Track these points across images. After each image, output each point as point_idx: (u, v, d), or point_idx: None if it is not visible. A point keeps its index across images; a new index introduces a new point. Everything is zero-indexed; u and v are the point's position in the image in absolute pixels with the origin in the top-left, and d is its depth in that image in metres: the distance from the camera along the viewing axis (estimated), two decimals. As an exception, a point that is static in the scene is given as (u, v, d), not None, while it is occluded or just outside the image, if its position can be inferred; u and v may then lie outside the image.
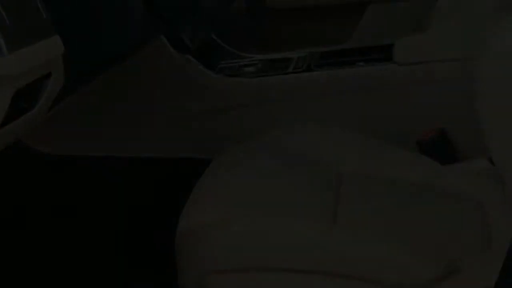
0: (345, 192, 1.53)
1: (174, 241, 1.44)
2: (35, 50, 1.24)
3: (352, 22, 2.39)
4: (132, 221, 1.92)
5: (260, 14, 1.67)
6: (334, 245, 1.33)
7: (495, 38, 1.41)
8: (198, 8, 1.46)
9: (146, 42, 1.64)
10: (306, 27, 2.38)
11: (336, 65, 1.98)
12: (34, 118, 1.37)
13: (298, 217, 1.42)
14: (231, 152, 1.70)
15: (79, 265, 1.82)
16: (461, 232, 1.47)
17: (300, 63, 2.02)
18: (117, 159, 2.01)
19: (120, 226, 1.91)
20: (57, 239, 1.88)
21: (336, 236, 1.35)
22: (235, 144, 1.75)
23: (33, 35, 1.26)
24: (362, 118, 1.91)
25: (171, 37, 1.96)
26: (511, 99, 1.34)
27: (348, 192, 1.54)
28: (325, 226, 1.39)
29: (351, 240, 1.34)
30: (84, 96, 1.67)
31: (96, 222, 1.92)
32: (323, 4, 2.38)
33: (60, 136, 2.03)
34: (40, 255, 1.85)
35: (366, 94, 1.92)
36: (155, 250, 1.59)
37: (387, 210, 1.50)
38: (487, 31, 1.49)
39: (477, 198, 1.58)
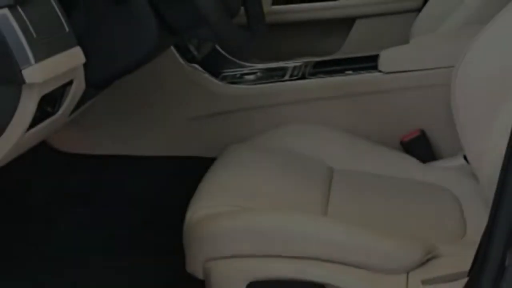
0: (335, 186, 1.54)
1: (182, 231, 1.45)
2: (58, 60, 1.25)
3: (342, 35, 2.40)
4: (143, 212, 1.92)
5: (259, 28, 1.67)
6: (325, 234, 1.33)
7: (467, 49, 1.42)
8: (203, 23, 1.46)
9: (158, 53, 1.64)
10: (300, 39, 2.39)
11: (327, 73, 1.99)
12: (58, 121, 1.37)
13: (294, 209, 1.43)
14: (234, 151, 1.71)
15: (95, 250, 1.82)
16: (440, 221, 1.48)
17: (296, 72, 2.03)
18: (131, 157, 2.02)
19: (133, 217, 1.91)
20: (75, 227, 1.89)
21: (327, 226, 1.36)
22: (237, 144, 1.76)
23: (57, 47, 1.26)
24: (351, 120, 1.91)
25: (180, 48, 1.97)
26: (482, 105, 1.35)
27: (338, 186, 1.54)
28: (318, 217, 1.40)
29: (340, 230, 1.34)
30: (101, 101, 1.67)
31: (110, 212, 1.92)
32: (316, 20, 2.39)
33: (80, 136, 2.04)
34: (61, 240, 1.85)
35: (354, 99, 1.92)
36: (165, 239, 1.59)
37: (373, 202, 1.50)
38: (460, 43, 1.50)
39: (453, 191, 1.59)
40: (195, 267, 1.42)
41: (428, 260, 1.33)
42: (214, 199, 1.47)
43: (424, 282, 1.30)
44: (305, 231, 1.34)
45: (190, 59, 1.99)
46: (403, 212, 1.48)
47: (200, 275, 1.42)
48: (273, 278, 1.34)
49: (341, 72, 1.97)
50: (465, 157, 1.59)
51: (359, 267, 1.32)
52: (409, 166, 1.69)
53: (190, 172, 1.61)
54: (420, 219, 1.47)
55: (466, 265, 1.25)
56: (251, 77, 2.07)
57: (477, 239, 1.25)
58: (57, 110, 1.34)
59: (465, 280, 1.24)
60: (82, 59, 1.32)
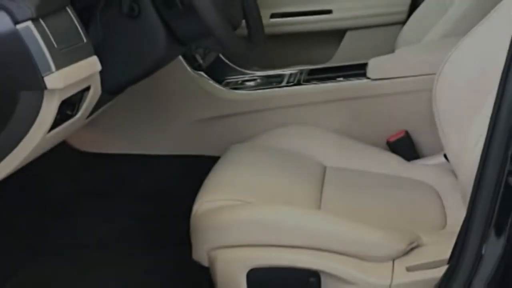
0: (328, 182, 1.54)
1: (189, 223, 1.45)
2: (77, 68, 1.25)
3: (334, 46, 2.41)
4: (153, 206, 1.92)
5: (259, 39, 1.68)
6: (318, 226, 1.34)
7: (447, 58, 1.42)
8: (208, 35, 1.47)
9: (167, 62, 1.65)
10: (296, 49, 2.39)
11: (321, 80, 1.99)
12: (76, 123, 1.38)
13: (290, 203, 1.43)
14: (235, 150, 1.71)
15: (110, 240, 1.82)
16: (422, 214, 1.48)
17: (292, 78, 2.03)
18: (142, 156, 2.02)
19: (144, 210, 1.91)
20: (90, 219, 1.89)
21: (320, 219, 1.36)
22: (238, 144, 1.77)
23: (76, 56, 1.26)
24: (342, 122, 1.91)
25: (187, 58, 1.97)
26: (460, 109, 1.35)
27: (331, 182, 1.54)
28: (311, 210, 1.41)
29: (332, 222, 1.35)
30: (115, 105, 1.67)
31: (123, 206, 1.92)
32: (310, 31, 2.39)
33: (96, 137, 2.04)
34: (78, 232, 1.85)
35: (345, 103, 1.92)
36: (174, 230, 1.59)
37: (362, 197, 1.51)
38: (441, 53, 1.51)
39: (434, 187, 1.60)
40: (200, 255, 1.42)
41: (412, 249, 1.33)
42: (218, 194, 1.47)
43: (408, 269, 1.31)
44: (300, 223, 1.35)
45: (196, 67, 2.00)
46: (389, 205, 1.49)
47: (205, 263, 1.42)
48: (271, 265, 1.34)
49: (333, 79, 1.98)
50: (445, 156, 1.59)
51: (349, 255, 1.32)
52: (395, 164, 1.69)
53: (196, 169, 1.62)
54: (404, 212, 1.47)
55: (446, 254, 1.26)
56: (252, 83, 2.07)
57: (456, 230, 1.26)
58: (76, 113, 1.35)
59: (445, 267, 1.25)
60: (98, 67, 1.32)
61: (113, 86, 1.48)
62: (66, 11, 1.29)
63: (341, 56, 2.34)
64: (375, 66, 1.88)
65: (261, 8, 1.88)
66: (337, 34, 2.40)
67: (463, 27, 1.46)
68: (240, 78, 2.10)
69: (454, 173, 1.50)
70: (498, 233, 1.11)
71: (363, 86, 1.90)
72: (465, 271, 1.15)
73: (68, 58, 1.23)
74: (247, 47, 1.57)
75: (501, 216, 1.10)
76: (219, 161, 1.65)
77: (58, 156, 1.59)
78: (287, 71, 2.09)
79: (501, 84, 1.06)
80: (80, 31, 1.30)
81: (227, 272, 1.38)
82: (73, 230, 1.85)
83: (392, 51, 2.00)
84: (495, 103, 1.08)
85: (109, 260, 1.75)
